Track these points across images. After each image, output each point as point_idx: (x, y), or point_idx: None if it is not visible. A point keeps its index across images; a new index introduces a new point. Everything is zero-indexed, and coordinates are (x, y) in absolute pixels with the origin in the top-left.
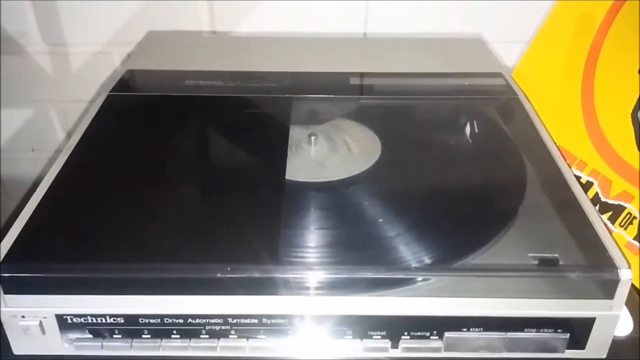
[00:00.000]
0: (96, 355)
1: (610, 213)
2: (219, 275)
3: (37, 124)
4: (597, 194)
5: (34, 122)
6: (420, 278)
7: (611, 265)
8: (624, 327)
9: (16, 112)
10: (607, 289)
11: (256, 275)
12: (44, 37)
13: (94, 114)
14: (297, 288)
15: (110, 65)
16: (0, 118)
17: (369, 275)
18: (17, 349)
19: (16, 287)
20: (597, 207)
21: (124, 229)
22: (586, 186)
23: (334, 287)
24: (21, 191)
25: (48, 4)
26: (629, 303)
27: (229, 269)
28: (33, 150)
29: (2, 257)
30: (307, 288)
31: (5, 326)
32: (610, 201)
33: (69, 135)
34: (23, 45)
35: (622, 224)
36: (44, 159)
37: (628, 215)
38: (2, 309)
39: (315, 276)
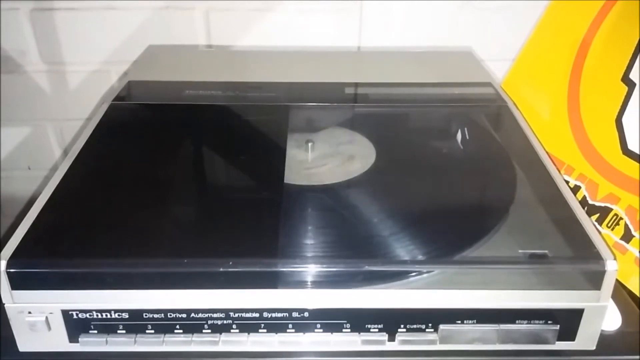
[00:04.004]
0: (101, 351)
1: (597, 215)
2: (221, 269)
3: (34, 143)
4: (584, 197)
5: (31, 141)
6: (416, 271)
7: (597, 258)
8: (613, 321)
9: (14, 131)
10: (595, 280)
11: (257, 269)
12: (43, 56)
13: (97, 122)
14: (296, 282)
15: (108, 84)
16: None
17: (367, 268)
18: (23, 346)
19: (23, 283)
20: (585, 210)
21: (129, 227)
22: (574, 190)
23: (332, 280)
24: (16, 209)
25: (47, 23)
26: (617, 299)
27: (230, 263)
28: (29, 169)
29: (10, 253)
30: (306, 282)
31: (11, 322)
32: (597, 203)
33: (66, 153)
34: (22, 64)
35: (609, 225)
36: (40, 178)
37: (615, 217)
38: (9, 304)
39: (314, 270)
